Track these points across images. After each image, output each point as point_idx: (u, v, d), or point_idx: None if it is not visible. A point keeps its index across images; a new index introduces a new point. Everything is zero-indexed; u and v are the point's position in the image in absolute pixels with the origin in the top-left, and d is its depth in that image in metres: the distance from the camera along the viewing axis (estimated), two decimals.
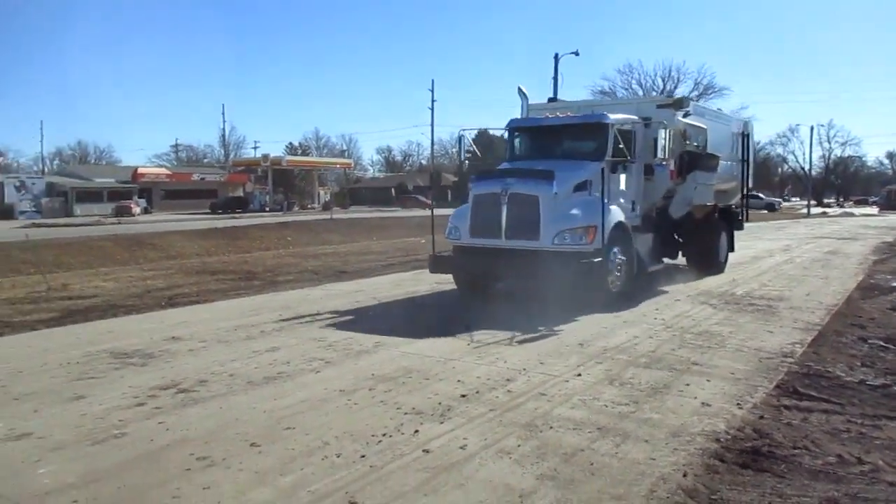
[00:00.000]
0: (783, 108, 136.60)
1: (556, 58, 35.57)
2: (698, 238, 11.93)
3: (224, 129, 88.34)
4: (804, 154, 76.06)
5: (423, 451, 4.12)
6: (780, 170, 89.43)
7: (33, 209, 49.24)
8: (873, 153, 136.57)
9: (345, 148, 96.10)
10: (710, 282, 11.46)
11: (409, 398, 5.15)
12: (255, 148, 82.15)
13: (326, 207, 57.90)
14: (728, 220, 13.36)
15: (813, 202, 63.14)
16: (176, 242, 22.12)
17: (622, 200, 9.78)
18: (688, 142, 10.97)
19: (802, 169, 77.22)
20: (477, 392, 5.30)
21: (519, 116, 11.62)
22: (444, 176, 75.56)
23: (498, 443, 4.25)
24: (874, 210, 56.98)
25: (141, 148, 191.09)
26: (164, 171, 65.52)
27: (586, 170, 9.29)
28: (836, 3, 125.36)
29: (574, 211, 8.84)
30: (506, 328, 7.52)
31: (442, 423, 4.62)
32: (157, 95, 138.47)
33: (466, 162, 12.49)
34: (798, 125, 78.57)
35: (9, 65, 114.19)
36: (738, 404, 5.00)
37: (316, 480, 3.72)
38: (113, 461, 4.02)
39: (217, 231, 26.11)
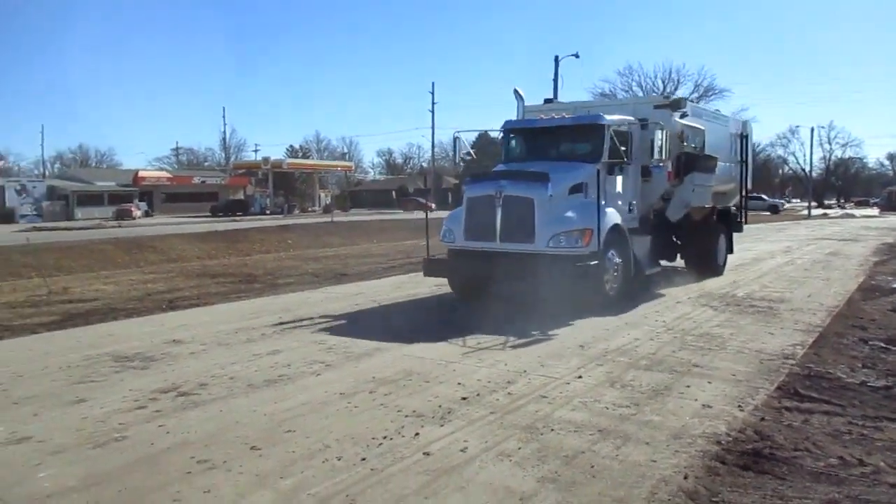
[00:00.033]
0: (783, 109, 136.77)
1: (557, 60, 35.56)
2: (696, 240, 11.81)
3: (225, 132, 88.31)
4: (805, 155, 76.14)
5: (424, 453, 4.12)
6: (780, 171, 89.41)
7: (34, 213, 49.23)
8: (874, 154, 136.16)
9: (345, 150, 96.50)
10: (711, 283, 11.45)
11: (409, 401, 5.15)
12: (255, 151, 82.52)
13: (327, 210, 58.01)
14: (727, 222, 13.25)
15: (813, 204, 63.16)
16: (176, 245, 22.13)
17: (619, 202, 9.72)
18: (685, 143, 10.86)
19: (803, 170, 77.23)
20: (477, 394, 5.29)
21: (515, 118, 11.56)
22: (445, 178, 75.57)
23: (498, 445, 4.25)
24: (875, 211, 56.97)
25: (142, 151, 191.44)
26: (164, 174, 65.63)
27: (582, 171, 9.17)
28: (836, 3, 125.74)
29: (569, 213, 8.76)
30: (506, 331, 7.52)
31: (442, 425, 4.62)
32: (158, 98, 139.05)
33: (462, 164, 12.47)
34: (798, 126, 78.10)
35: (9, 66, 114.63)
36: (739, 406, 5.00)
37: (316, 483, 3.71)
38: (113, 464, 4.02)
39: (217, 234, 26.12)
